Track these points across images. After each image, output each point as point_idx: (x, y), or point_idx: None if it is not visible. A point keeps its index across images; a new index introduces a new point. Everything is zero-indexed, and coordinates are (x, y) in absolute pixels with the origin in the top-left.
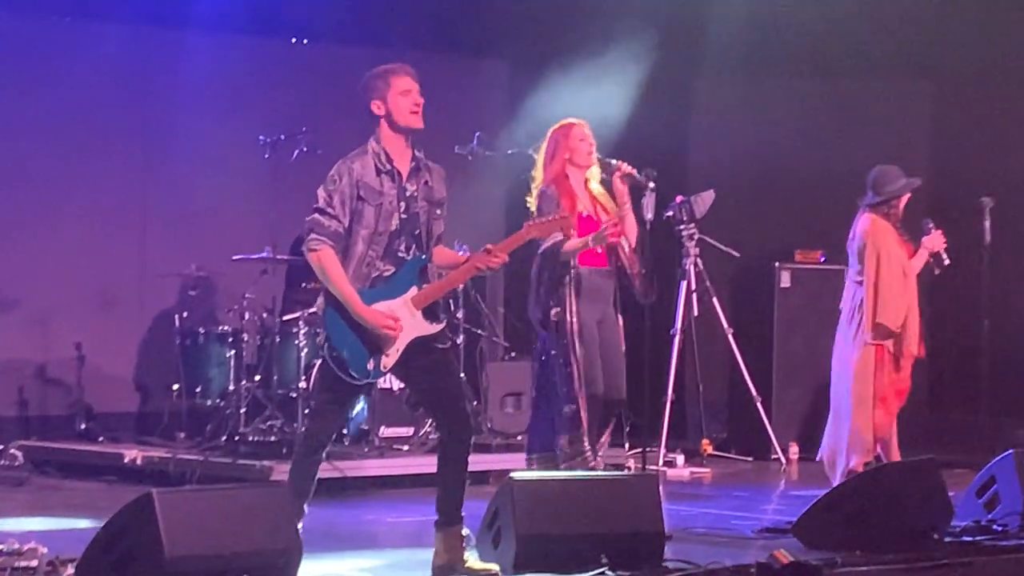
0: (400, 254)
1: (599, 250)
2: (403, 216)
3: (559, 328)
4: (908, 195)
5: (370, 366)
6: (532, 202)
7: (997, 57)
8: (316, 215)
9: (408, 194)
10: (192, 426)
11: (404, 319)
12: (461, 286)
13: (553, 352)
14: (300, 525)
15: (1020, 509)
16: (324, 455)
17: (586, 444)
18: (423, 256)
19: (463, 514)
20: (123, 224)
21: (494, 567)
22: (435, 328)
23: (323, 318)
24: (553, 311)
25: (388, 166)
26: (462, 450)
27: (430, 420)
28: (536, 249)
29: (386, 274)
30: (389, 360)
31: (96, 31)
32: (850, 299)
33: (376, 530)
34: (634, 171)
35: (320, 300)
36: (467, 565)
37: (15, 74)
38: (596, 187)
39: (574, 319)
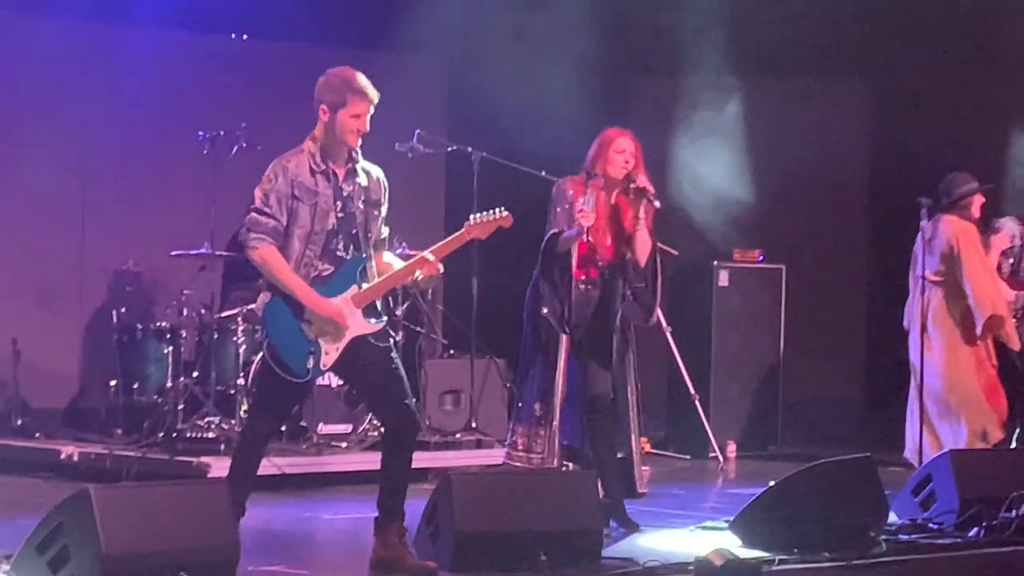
0: (339, 253)
1: (600, 263)
2: (340, 215)
3: (551, 326)
4: (982, 198)
5: (309, 364)
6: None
7: (934, 57)
8: (253, 214)
9: (345, 194)
10: (129, 422)
11: (345, 317)
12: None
13: (532, 346)
14: (239, 522)
15: (955, 507)
16: (264, 452)
17: (542, 444)
18: (363, 255)
19: (403, 510)
20: (61, 219)
21: (432, 564)
22: (376, 326)
23: (263, 315)
24: (545, 310)
25: (323, 166)
26: (405, 448)
27: (369, 417)
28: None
29: (324, 273)
30: (329, 359)
31: (35, 25)
32: (930, 302)
33: (314, 527)
34: (646, 186)
35: (261, 297)
36: (405, 562)
37: None
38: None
39: (567, 324)
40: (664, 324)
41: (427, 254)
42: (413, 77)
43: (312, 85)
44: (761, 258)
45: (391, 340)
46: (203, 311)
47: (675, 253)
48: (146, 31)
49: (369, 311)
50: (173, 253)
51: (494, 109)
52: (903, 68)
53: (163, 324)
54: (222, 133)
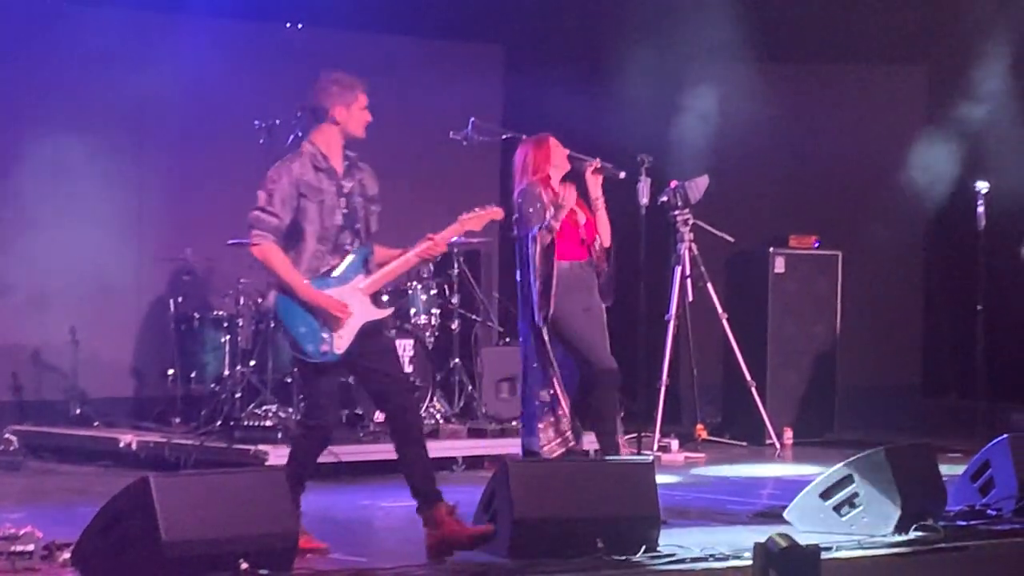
0: (346, 247)
1: (582, 242)
2: (344, 211)
3: (545, 320)
4: None
5: (323, 348)
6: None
7: (992, 43)
8: (257, 212)
9: (346, 191)
10: (187, 411)
11: (354, 305)
12: (456, 271)
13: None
14: (299, 510)
15: (1014, 493)
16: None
17: (566, 427)
18: (366, 247)
19: (439, 489)
20: (118, 209)
21: (489, 527)
22: (384, 312)
23: (275, 307)
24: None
25: (325, 164)
26: (415, 431)
27: (425, 406)
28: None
29: (334, 265)
30: (343, 342)
31: (92, 15)
32: None
33: (371, 515)
34: (606, 164)
35: (271, 293)
36: (462, 535)
37: (10, 57)
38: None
39: (559, 311)
40: (720, 310)
41: (431, 236)
42: (468, 65)
43: (368, 73)
44: (817, 244)
45: (394, 331)
46: (260, 300)
47: (730, 240)
48: (202, 20)
49: (377, 298)
50: (230, 242)
51: (548, 96)
52: (961, 54)
53: (220, 313)
54: (278, 122)
